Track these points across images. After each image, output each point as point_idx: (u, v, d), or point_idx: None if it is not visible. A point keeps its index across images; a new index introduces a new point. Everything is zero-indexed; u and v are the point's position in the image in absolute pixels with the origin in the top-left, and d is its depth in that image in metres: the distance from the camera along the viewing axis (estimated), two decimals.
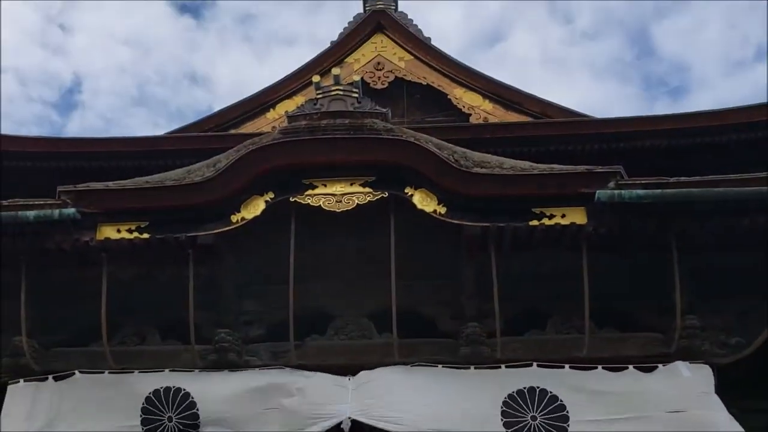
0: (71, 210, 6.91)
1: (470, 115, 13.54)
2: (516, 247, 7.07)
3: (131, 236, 7.01)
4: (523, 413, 6.96)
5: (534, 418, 6.94)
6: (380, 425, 7.02)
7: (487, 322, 7.36)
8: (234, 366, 7.45)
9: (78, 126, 41.34)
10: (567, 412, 6.91)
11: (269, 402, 7.20)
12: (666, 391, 6.89)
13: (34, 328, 7.53)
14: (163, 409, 7.30)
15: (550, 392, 7.01)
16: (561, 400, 6.96)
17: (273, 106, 13.78)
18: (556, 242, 7.01)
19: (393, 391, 7.15)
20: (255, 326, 7.85)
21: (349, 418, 6.95)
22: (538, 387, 7.03)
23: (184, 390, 7.32)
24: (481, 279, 7.34)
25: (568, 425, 6.89)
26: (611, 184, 6.75)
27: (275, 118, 13.44)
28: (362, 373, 7.26)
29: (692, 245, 6.94)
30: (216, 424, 7.19)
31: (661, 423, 6.77)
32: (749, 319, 7.30)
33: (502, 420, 6.95)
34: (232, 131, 13.15)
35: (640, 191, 6.71)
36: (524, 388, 7.04)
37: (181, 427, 7.22)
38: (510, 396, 7.05)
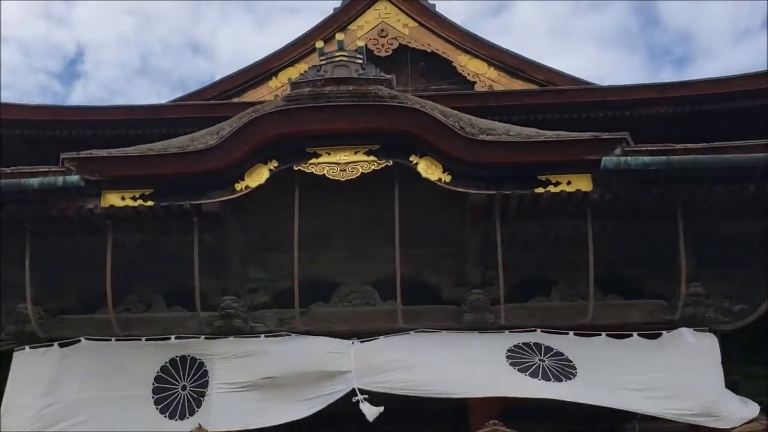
0: (75, 177, 6.88)
1: (475, 83, 13.43)
2: (521, 215, 7.06)
3: (135, 204, 6.98)
4: (530, 357, 7.03)
5: (542, 360, 7.02)
6: (385, 390, 7.06)
7: (491, 290, 7.39)
8: (240, 332, 7.49)
9: (81, 96, 41.18)
10: (573, 363, 6.99)
11: (277, 370, 7.24)
12: (670, 357, 6.94)
13: (40, 295, 7.57)
14: (178, 378, 7.39)
15: (555, 348, 7.10)
16: (566, 356, 7.05)
17: (275, 74, 13.65)
18: (562, 209, 6.99)
19: (396, 356, 7.19)
20: (260, 293, 7.89)
21: (356, 388, 6.97)
22: (543, 343, 7.13)
23: (199, 359, 7.42)
24: (485, 246, 7.36)
25: (574, 375, 6.95)
26: (617, 151, 6.71)
27: (278, 86, 13.32)
28: (366, 343, 7.30)
29: (698, 212, 6.93)
30: (226, 391, 7.25)
31: (664, 387, 6.82)
32: (753, 287, 7.30)
33: (508, 361, 7.02)
34: (235, 100, 13.05)
35: (646, 158, 6.67)
36: (530, 341, 7.15)
37: (193, 394, 7.31)
38: (516, 346, 7.14)
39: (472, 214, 7.14)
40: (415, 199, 7.14)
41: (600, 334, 7.11)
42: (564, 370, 6.95)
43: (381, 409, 6.81)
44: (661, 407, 6.85)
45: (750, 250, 7.15)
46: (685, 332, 7.02)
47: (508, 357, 7.05)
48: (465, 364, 7.08)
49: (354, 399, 6.93)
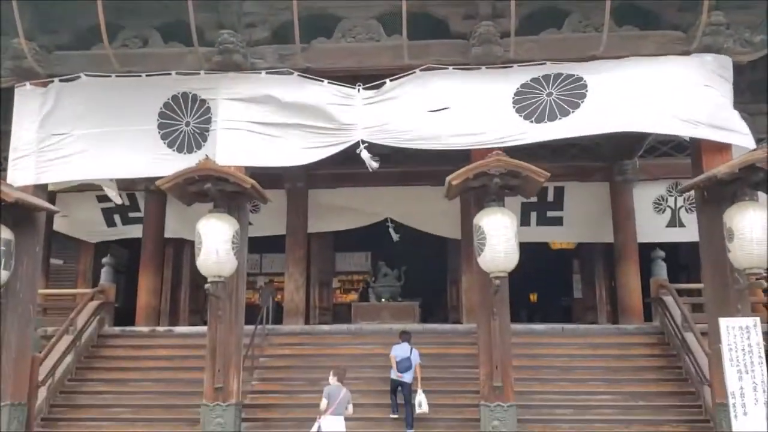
0: None
1: None
2: None
3: None
4: (537, 94, 6.96)
5: (550, 94, 6.97)
6: (391, 143, 7.14)
7: (501, 22, 7.05)
8: (239, 68, 7.29)
9: None
10: (585, 84, 6.90)
11: (283, 117, 7.22)
12: (685, 73, 6.83)
13: (33, 30, 7.30)
14: (181, 114, 7.39)
15: (567, 72, 6.97)
16: (581, 77, 6.94)
17: None
18: None
19: (401, 105, 7.12)
20: (259, 28, 7.52)
21: (361, 141, 7.02)
22: (553, 72, 6.98)
23: (200, 96, 7.35)
24: None
25: (582, 101, 6.90)
26: None
27: None
28: (372, 90, 7.17)
29: None
30: (231, 128, 7.27)
31: (677, 101, 6.78)
32: None
33: (515, 107, 6.99)
34: None
35: None
36: (539, 75, 7.01)
37: (197, 130, 7.36)
38: (523, 85, 7.04)
39: None
40: None
41: None
42: (572, 98, 6.88)
43: (377, 164, 6.98)
44: (670, 126, 6.90)
45: None
46: (702, 54, 6.85)
47: (515, 102, 6.97)
48: (471, 115, 7.01)
49: (357, 151, 7.02)
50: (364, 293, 13.67)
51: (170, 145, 7.37)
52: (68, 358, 8.48)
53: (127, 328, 9.74)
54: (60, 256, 12.26)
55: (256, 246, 14.49)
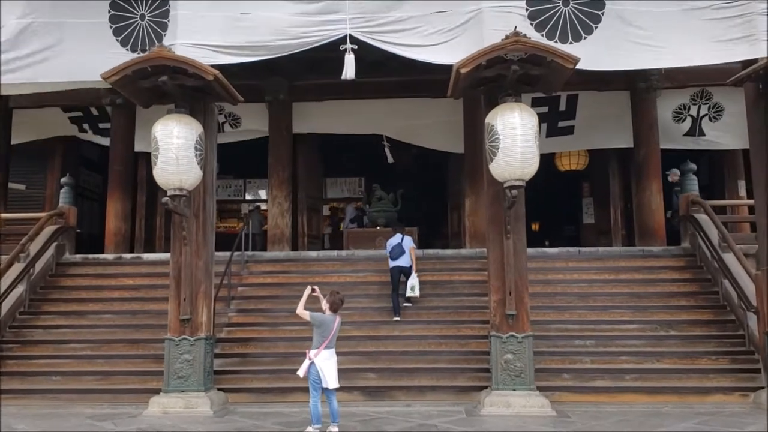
0: None
1: None
2: None
3: None
4: (553, 2, 6.11)
5: (566, 3, 6.12)
6: (380, 45, 6.21)
7: None
8: None
9: None
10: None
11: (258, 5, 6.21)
12: None
13: None
14: (135, 7, 6.33)
15: None
16: None
17: None
18: None
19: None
20: None
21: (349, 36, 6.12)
22: None
23: None
24: None
25: (600, 18, 6.10)
26: None
27: None
28: None
29: None
30: (191, 30, 6.19)
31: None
32: None
33: (528, 11, 6.11)
34: None
35: None
36: None
37: (152, 25, 6.26)
38: None
39: None
40: None
41: None
42: (586, 21, 6.12)
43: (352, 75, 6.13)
44: (687, 57, 6.18)
45: None
46: None
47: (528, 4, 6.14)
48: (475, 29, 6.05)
49: (342, 47, 6.11)
50: (359, 220, 12.63)
51: (123, 44, 6.37)
52: (19, 289, 7.47)
53: (90, 256, 8.70)
54: (23, 181, 11.13)
55: (240, 171, 13.46)
